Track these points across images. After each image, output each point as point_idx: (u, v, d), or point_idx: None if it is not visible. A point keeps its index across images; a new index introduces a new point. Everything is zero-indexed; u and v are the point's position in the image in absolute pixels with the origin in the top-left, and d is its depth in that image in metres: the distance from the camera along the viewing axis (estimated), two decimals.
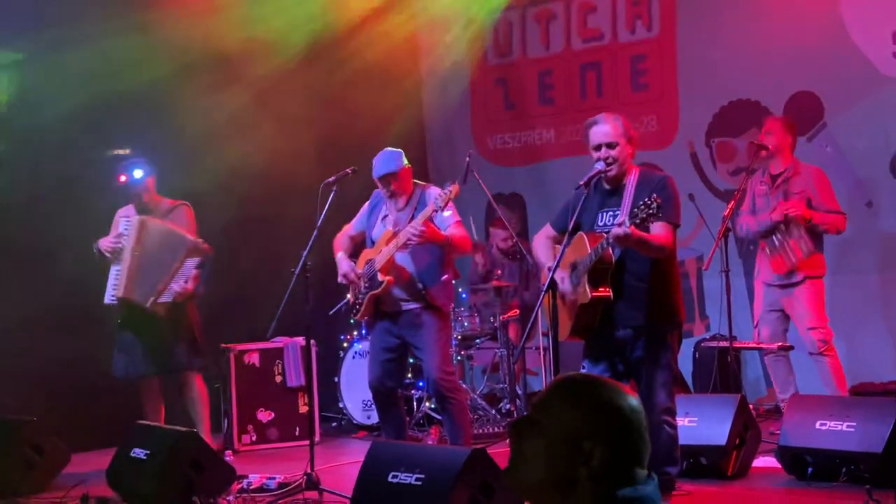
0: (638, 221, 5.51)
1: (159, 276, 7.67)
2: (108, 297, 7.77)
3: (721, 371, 8.72)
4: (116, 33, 8.62)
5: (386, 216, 7.24)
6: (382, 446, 6.18)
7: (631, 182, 5.96)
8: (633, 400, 2.37)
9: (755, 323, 8.52)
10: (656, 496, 2.33)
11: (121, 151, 9.50)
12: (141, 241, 7.71)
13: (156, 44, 9.00)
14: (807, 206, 8.06)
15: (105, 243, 7.78)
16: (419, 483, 5.56)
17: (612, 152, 5.92)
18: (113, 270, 7.76)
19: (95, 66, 8.57)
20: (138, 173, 7.76)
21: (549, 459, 2.33)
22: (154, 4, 8.98)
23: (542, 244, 6.31)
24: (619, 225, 5.56)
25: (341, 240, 7.42)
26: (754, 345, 8.60)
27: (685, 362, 9.19)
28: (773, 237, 8.18)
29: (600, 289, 5.82)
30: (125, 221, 7.81)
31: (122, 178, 7.77)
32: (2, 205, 8.59)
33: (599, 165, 5.92)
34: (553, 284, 5.70)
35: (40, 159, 8.77)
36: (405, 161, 7.12)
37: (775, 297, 8.29)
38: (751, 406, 7.56)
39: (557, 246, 6.05)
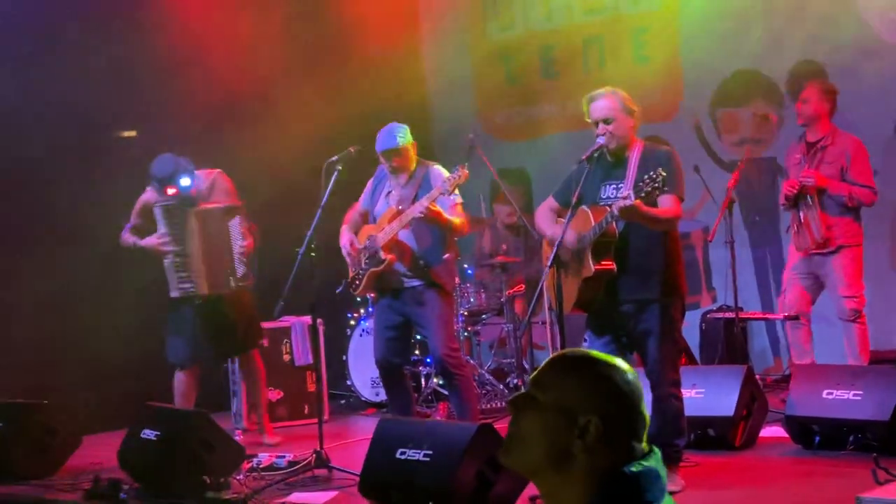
0: (643, 195, 5.52)
1: (226, 255, 7.69)
2: (179, 292, 7.73)
3: (727, 342, 8.72)
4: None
5: (389, 192, 7.27)
6: (390, 423, 6.21)
7: (634, 155, 5.98)
8: (629, 374, 2.39)
9: (783, 289, 8.44)
10: (661, 470, 2.34)
11: (127, 134, 9.56)
12: (206, 234, 7.70)
13: (162, 27, 9.08)
14: (840, 176, 7.99)
15: (153, 243, 7.70)
16: (427, 459, 5.61)
17: (609, 127, 5.94)
18: (169, 263, 7.72)
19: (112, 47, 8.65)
20: (186, 181, 7.58)
21: (544, 434, 2.35)
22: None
23: (544, 215, 6.32)
24: (624, 198, 5.57)
25: (350, 215, 7.48)
26: (760, 315, 8.59)
27: (692, 334, 9.19)
28: (799, 214, 8.11)
29: (603, 262, 5.84)
30: (167, 215, 7.69)
31: (172, 191, 7.60)
32: (15, 186, 8.62)
33: (600, 140, 5.94)
34: (557, 260, 5.72)
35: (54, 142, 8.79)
36: (409, 136, 7.15)
37: (811, 263, 8.19)
38: (758, 376, 7.58)
39: (560, 219, 6.05)
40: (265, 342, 8.43)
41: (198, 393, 8.02)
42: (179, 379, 7.92)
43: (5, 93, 8.48)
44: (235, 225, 7.72)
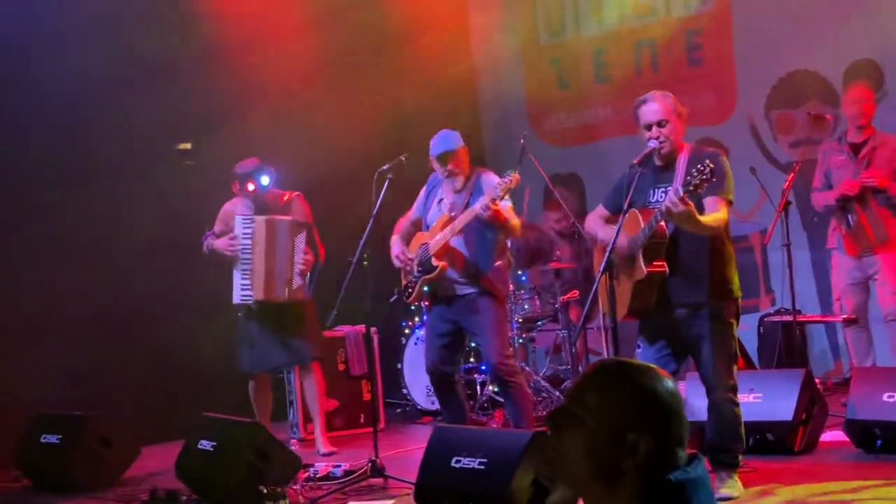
0: (691, 188, 5.44)
1: (286, 266, 7.81)
2: (241, 298, 7.87)
3: (786, 345, 8.63)
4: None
5: (441, 200, 7.26)
6: (445, 431, 6.19)
7: (682, 159, 5.91)
8: (669, 382, 2.34)
9: (836, 296, 8.36)
10: (706, 477, 2.31)
11: (183, 146, 9.64)
12: (271, 242, 7.81)
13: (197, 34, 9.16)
14: (893, 177, 7.91)
15: (224, 245, 7.86)
16: (482, 467, 5.58)
17: (664, 130, 5.87)
18: (237, 270, 7.85)
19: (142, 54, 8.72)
20: (265, 180, 7.89)
21: (591, 453, 2.30)
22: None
23: (595, 222, 6.29)
24: (674, 192, 5.49)
25: (401, 224, 7.48)
26: (819, 318, 8.49)
27: (750, 337, 9.12)
28: (849, 216, 8.02)
29: (655, 263, 5.77)
30: (243, 222, 7.87)
31: (251, 187, 7.88)
32: (71, 196, 8.70)
33: (653, 143, 5.87)
34: (610, 265, 5.67)
35: (91, 150, 8.87)
36: (462, 141, 7.14)
37: (859, 266, 8.11)
38: (817, 380, 7.49)
39: (611, 225, 6.00)
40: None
41: (270, 401, 8.14)
42: (251, 387, 8.11)
43: (70, 107, 8.55)
44: (301, 240, 7.84)
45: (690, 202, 5.48)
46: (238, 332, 8.04)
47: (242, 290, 7.86)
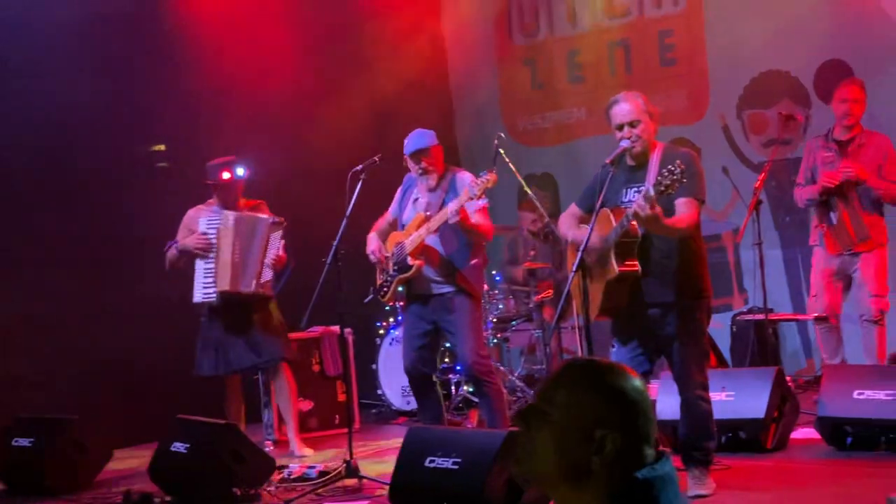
0: (662, 189, 5.46)
1: (255, 259, 7.79)
2: (203, 295, 7.83)
3: (758, 344, 8.67)
4: None
5: (417, 199, 7.27)
6: (419, 432, 6.21)
7: (655, 158, 5.92)
8: (637, 380, 2.36)
9: (812, 293, 8.39)
10: (673, 474, 2.33)
11: (157, 147, 9.62)
12: (240, 236, 7.81)
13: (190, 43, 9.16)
14: (877, 174, 7.95)
15: (194, 242, 7.82)
16: (456, 467, 5.59)
17: (635, 130, 5.89)
18: (201, 267, 7.83)
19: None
20: (241, 171, 7.92)
21: (560, 451, 2.32)
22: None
23: (567, 222, 6.29)
24: (643, 196, 5.52)
25: (379, 223, 7.48)
26: (791, 316, 8.53)
27: (723, 336, 9.16)
28: (831, 213, 8.07)
29: (627, 262, 5.78)
30: (208, 220, 7.87)
31: (227, 175, 7.88)
32: (36, 201, 8.67)
33: (625, 143, 5.89)
34: (582, 265, 5.68)
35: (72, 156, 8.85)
36: (436, 139, 7.16)
37: (839, 264, 8.15)
38: (789, 378, 7.53)
39: (583, 225, 6.02)
40: (294, 352, 8.42)
41: (242, 403, 8.09)
42: (225, 391, 8.03)
43: (48, 109, 8.53)
44: (277, 237, 7.84)
45: (658, 206, 5.50)
46: (201, 334, 7.97)
47: (205, 287, 7.80)
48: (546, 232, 9.61)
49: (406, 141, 7.17)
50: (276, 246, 7.83)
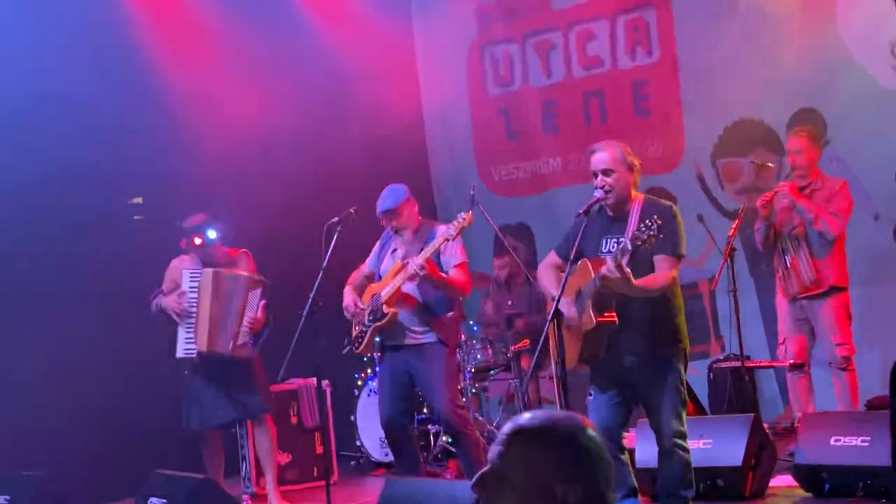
0: (639, 244, 5.51)
1: (233, 320, 7.74)
2: (184, 352, 7.79)
3: (736, 391, 8.69)
4: None
5: (395, 250, 7.29)
6: (396, 484, 6.18)
7: (635, 209, 5.95)
8: (589, 430, 2.38)
9: (781, 340, 8.44)
10: None
11: (135, 200, 9.61)
12: (218, 294, 7.76)
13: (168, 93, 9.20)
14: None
15: (172, 304, 7.78)
16: None
17: (609, 179, 5.92)
18: (183, 324, 7.80)
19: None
20: (212, 234, 7.85)
21: None
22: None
23: (546, 273, 6.31)
24: (612, 258, 5.56)
25: (355, 276, 7.49)
26: (766, 363, 8.57)
27: (700, 383, 9.18)
28: (786, 258, 8.14)
29: (605, 314, 5.82)
30: (191, 276, 7.83)
31: (198, 241, 7.82)
32: (18, 252, 8.65)
33: (598, 193, 5.93)
34: (558, 313, 5.70)
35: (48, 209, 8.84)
36: (406, 195, 7.18)
37: (801, 309, 8.20)
38: (766, 425, 7.54)
39: (562, 273, 6.04)
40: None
41: (222, 457, 8.03)
42: (205, 445, 7.96)
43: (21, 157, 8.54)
44: (256, 296, 7.79)
45: (627, 269, 5.53)
46: (184, 389, 7.92)
47: (186, 343, 7.77)
48: (508, 279, 9.76)
49: (378, 201, 7.20)
50: (255, 306, 7.77)
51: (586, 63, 10.88)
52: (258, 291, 7.80)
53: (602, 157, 5.99)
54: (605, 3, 10.67)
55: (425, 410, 9.03)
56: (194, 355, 7.75)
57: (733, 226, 8.31)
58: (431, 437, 9.15)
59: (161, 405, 8.25)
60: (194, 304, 7.76)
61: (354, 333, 7.35)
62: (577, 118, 10.97)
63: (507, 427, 2.43)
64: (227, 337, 7.72)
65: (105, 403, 8.66)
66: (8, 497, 7.24)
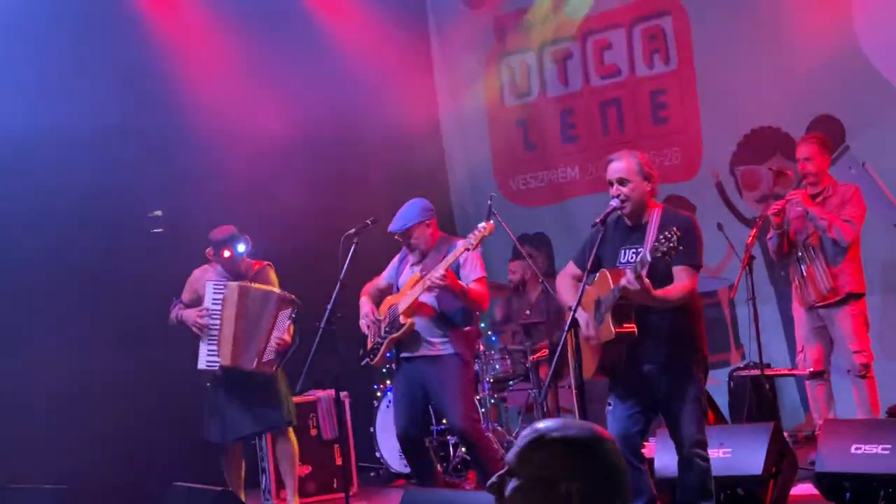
0: (659, 255, 5.50)
1: (260, 337, 7.70)
2: (206, 364, 7.77)
3: (756, 399, 8.64)
4: None
5: (413, 263, 7.29)
6: (415, 495, 6.17)
7: (654, 220, 5.92)
8: (602, 434, 2.43)
9: (799, 349, 8.41)
10: None
11: (155, 213, 9.62)
12: (243, 309, 7.72)
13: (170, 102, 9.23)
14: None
15: (193, 318, 7.76)
16: None
17: (624, 189, 5.90)
18: (205, 339, 7.77)
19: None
20: (242, 247, 7.80)
21: None
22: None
23: (564, 283, 6.29)
24: (632, 270, 5.54)
25: (369, 288, 7.49)
26: (787, 371, 8.53)
27: (721, 392, 9.14)
28: (802, 268, 8.11)
29: (625, 325, 5.79)
30: (215, 289, 7.79)
31: (227, 254, 7.77)
32: (38, 266, 8.67)
33: (614, 202, 5.91)
34: (575, 323, 5.69)
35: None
36: (419, 218, 7.16)
37: (818, 318, 8.17)
38: (787, 434, 7.50)
39: (580, 284, 6.02)
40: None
41: (243, 470, 8.00)
42: (223, 457, 7.95)
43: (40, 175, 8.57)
44: (285, 316, 7.75)
45: (647, 281, 5.52)
46: (206, 401, 7.91)
47: (209, 355, 7.76)
48: (519, 284, 9.78)
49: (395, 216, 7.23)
50: (283, 327, 7.72)
51: (603, 72, 10.87)
52: (288, 311, 7.75)
53: (618, 166, 5.97)
54: (622, 12, 10.65)
55: (444, 421, 9.03)
56: (216, 368, 7.75)
57: (751, 234, 8.28)
58: (451, 448, 9.14)
59: (181, 418, 8.26)
60: (217, 317, 7.73)
61: (370, 345, 7.34)
62: (594, 127, 10.95)
63: (527, 432, 2.48)
64: (252, 354, 7.69)
65: (126, 416, 8.67)
66: None
